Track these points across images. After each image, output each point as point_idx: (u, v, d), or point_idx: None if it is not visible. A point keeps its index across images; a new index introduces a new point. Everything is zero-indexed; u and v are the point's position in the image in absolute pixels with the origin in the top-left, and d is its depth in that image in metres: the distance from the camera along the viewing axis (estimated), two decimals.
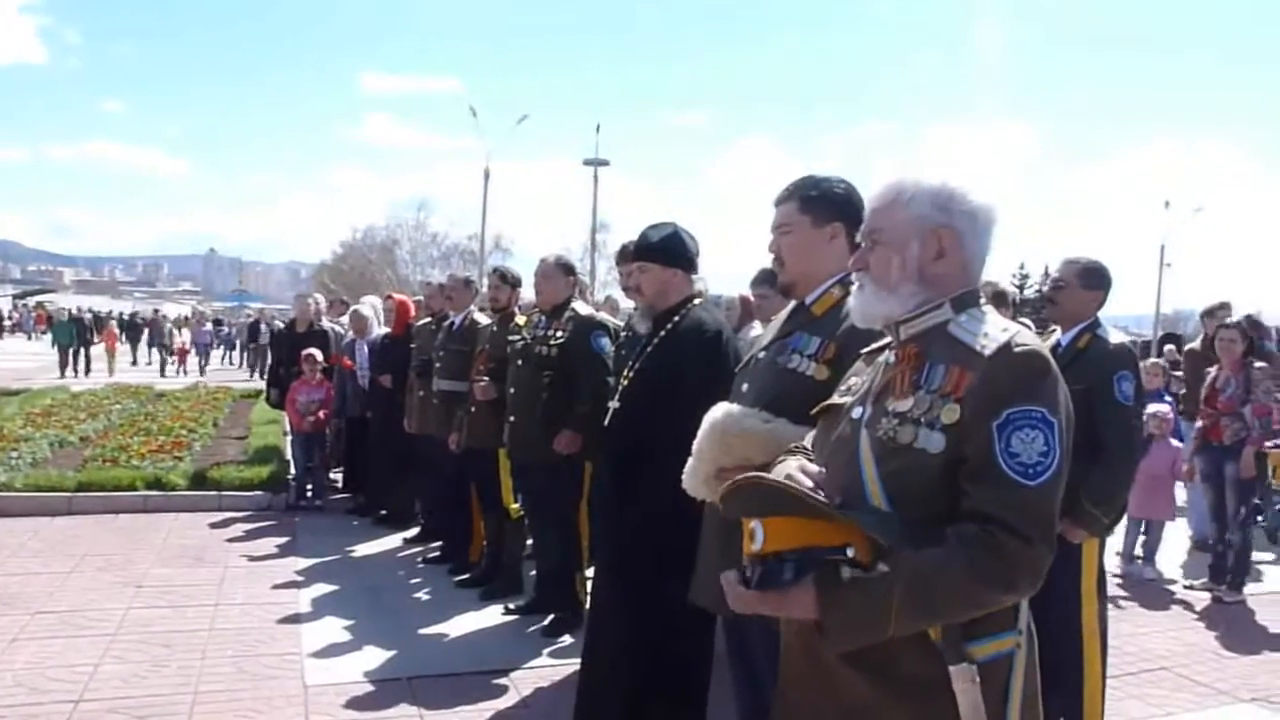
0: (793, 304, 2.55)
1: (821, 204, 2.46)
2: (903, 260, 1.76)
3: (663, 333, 3.44)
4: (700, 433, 2.23)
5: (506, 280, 5.95)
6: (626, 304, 7.74)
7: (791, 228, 2.48)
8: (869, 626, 1.54)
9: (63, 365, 22.19)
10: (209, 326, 28.94)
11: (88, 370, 22.50)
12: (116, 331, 26.49)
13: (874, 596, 1.53)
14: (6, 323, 40.29)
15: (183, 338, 27.88)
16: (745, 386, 2.47)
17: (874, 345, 1.89)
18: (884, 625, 1.53)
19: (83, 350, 23.20)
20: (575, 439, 4.79)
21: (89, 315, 29.51)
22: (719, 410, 2.22)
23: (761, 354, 2.50)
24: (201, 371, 24.08)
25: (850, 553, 1.53)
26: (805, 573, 1.55)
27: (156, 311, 34.26)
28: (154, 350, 25.88)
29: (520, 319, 5.67)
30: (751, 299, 5.22)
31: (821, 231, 2.46)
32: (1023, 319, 5.31)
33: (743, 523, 1.62)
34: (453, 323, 6.42)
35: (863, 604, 1.53)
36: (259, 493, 8.01)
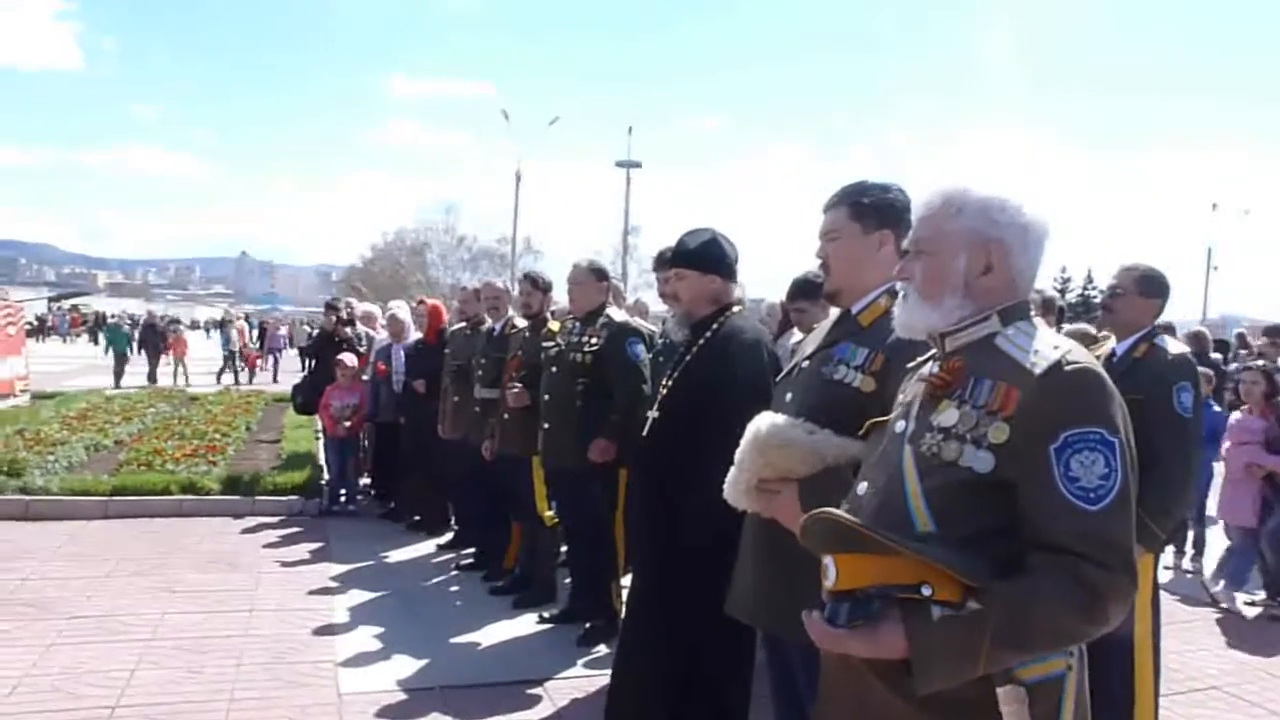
0: (838, 312, 2.55)
1: (871, 211, 2.45)
2: (948, 272, 1.75)
3: (701, 341, 3.45)
4: (742, 443, 2.24)
5: (538, 286, 5.97)
6: (657, 307, 7.75)
7: (840, 234, 2.47)
8: (960, 665, 1.51)
9: (118, 375, 19.57)
10: (283, 331, 26.58)
11: (152, 378, 20.03)
12: (187, 339, 23.55)
13: (966, 635, 1.50)
14: (45, 325, 40.77)
15: (253, 344, 25.60)
16: (789, 396, 2.47)
17: (920, 359, 1.89)
18: (975, 664, 1.51)
19: (148, 356, 20.81)
20: (610, 447, 4.81)
21: (143, 318, 27.04)
22: (762, 420, 2.23)
23: (805, 363, 2.50)
24: (275, 379, 21.66)
25: (926, 590, 1.52)
26: (879, 610, 1.55)
27: (228, 314, 31.31)
28: (226, 358, 22.69)
29: (553, 325, 5.70)
30: (788, 311, 5.22)
31: (870, 239, 2.45)
32: (1079, 324, 5.27)
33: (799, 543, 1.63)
34: (493, 329, 6.47)
35: (954, 643, 1.51)
36: (292, 498, 8.11)
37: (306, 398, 8.71)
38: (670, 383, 3.47)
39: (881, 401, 2.14)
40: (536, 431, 5.33)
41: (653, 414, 3.47)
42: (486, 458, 6.08)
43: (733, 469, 2.33)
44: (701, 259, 3.46)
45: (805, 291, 4.61)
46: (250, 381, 21.61)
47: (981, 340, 1.73)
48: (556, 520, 5.69)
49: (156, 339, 21.53)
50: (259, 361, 24.05)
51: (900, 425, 1.77)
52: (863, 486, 1.81)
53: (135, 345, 22.67)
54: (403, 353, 8.01)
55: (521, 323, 6.22)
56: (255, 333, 28.35)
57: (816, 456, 2.12)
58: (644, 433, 3.48)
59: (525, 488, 5.75)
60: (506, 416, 5.78)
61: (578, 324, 5.23)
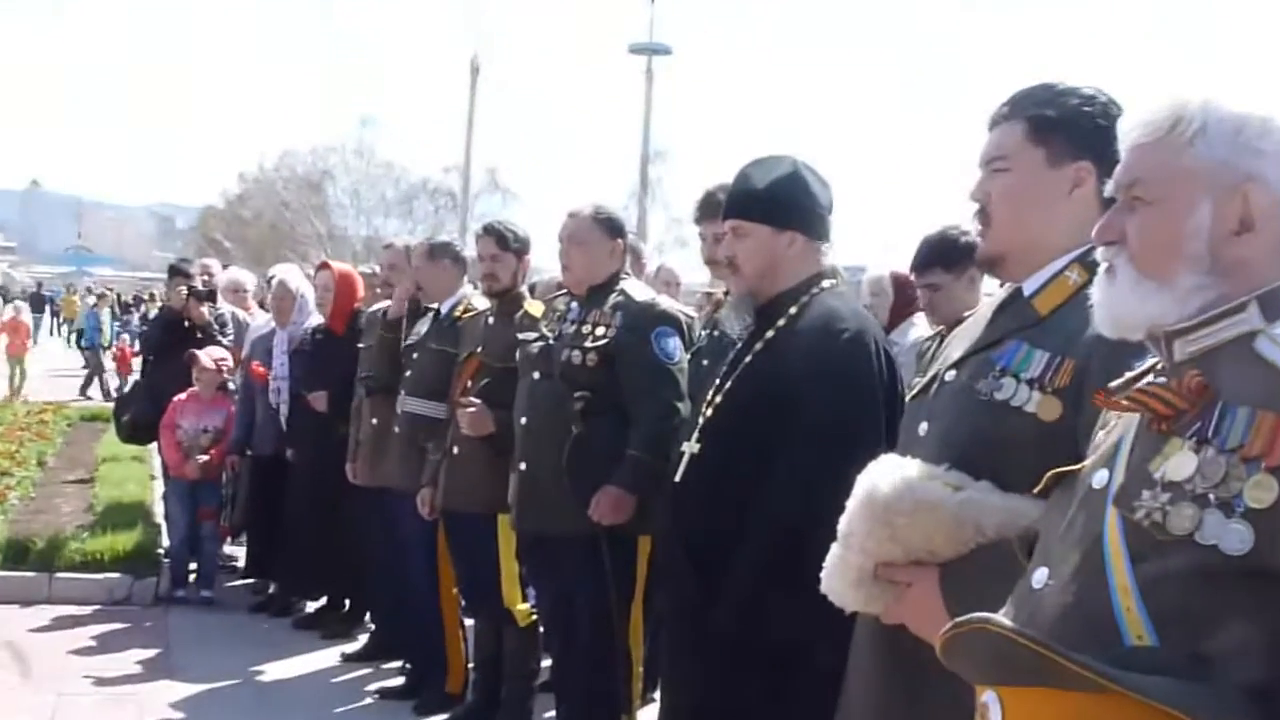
0: (1003, 291, 2.56)
1: (1064, 130, 2.46)
2: (1182, 233, 1.75)
3: (771, 334, 3.49)
4: (849, 505, 2.24)
5: (507, 245, 5.98)
6: (694, 277, 7.71)
7: (1011, 163, 2.48)
8: None
9: None
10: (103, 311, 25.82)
11: None
12: (28, 325, 22.66)
13: None
14: None
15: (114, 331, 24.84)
16: (922, 428, 2.47)
17: (1133, 372, 1.89)
18: None
19: None
20: (624, 501, 4.83)
21: None
22: (880, 470, 2.23)
23: (948, 375, 2.50)
24: (87, 390, 21.83)
25: None
26: None
27: (72, 288, 30.13)
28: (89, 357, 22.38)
29: (533, 307, 5.73)
30: (913, 284, 5.23)
31: (1059, 174, 2.46)
32: None
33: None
34: (438, 312, 6.52)
35: None
36: (113, 576, 8.15)
37: (139, 416, 8.76)
38: (720, 399, 3.50)
39: (1071, 436, 2.14)
40: (505, 475, 5.36)
41: (690, 447, 3.50)
42: (425, 515, 6.12)
43: (834, 547, 2.34)
44: (774, 205, 3.49)
45: (944, 256, 4.63)
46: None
47: (1234, 343, 1.73)
48: (535, 617, 5.70)
49: None
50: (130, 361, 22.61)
51: (1101, 477, 1.77)
52: (1041, 575, 1.81)
53: None
54: (287, 343, 8.03)
55: (481, 303, 6.24)
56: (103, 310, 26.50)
57: (968, 526, 2.13)
58: (677, 478, 3.51)
59: (485, 564, 5.78)
60: (457, 451, 5.81)
61: (575, 305, 5.26)
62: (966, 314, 2.80)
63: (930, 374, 2.63)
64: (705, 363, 4.86)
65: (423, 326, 6.54)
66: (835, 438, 3.17)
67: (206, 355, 8.31)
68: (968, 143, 2.71)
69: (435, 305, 6.54)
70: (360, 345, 7.13)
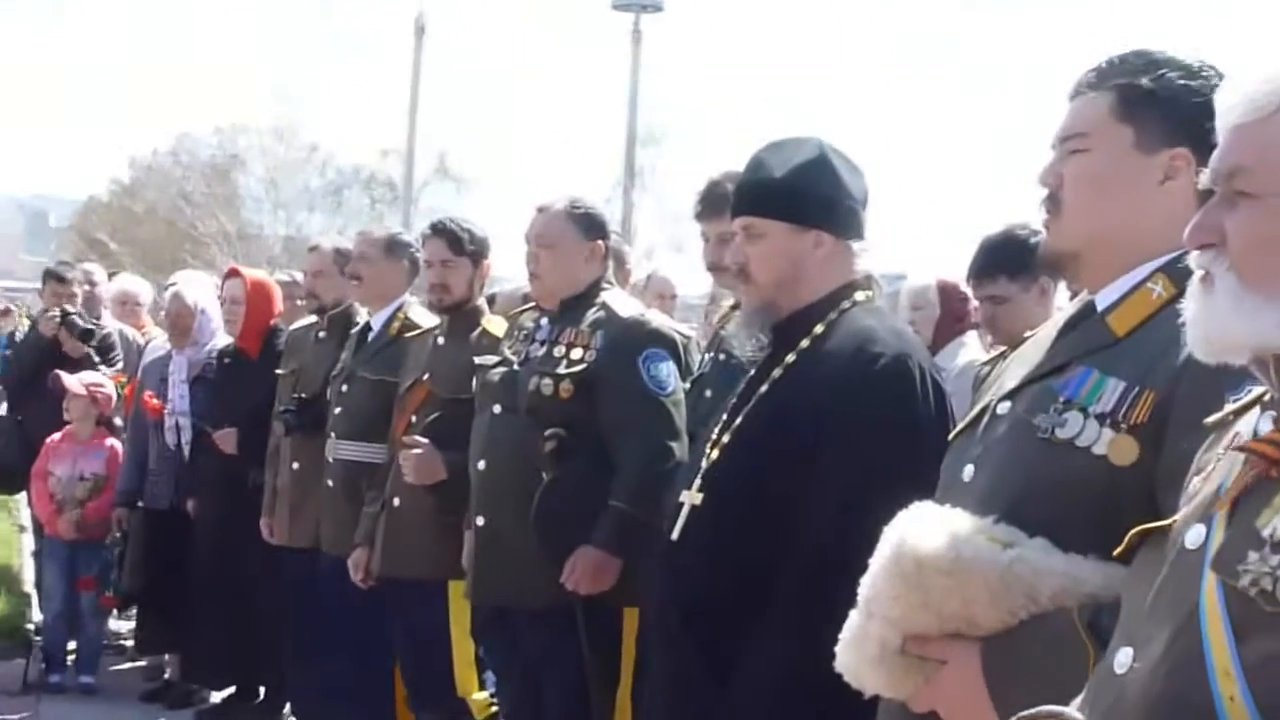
0: (1073, 306, 2.57)
1: (1159, 108, 2.46)
2: None
3: (791, 358, 3.51)
4: (873, 563, 2.25)
5: (460, 248, 6.01)
6: (690, 291, 7.72)
7: (1092, 142, 2.49)
8: None
9: None
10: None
11: None
12: None
13: None
14: None
15: None
16: (966, 472, 2.48)
17: (1234, 405, 1.89)
18: None
19: None
20: (606, 565, 4.84)
21: None
22: (912, 520, 2.24)
23: (1001, 406, 2.51)
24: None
25: None
26: None
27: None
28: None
29: (493, 324, 5.77)
30: (967, 295, 5.23)
31: (1150, 160, 2.46)
32: None
33: None
34: (366, 326, 6.54)
35: None
36: None
37: (4, 459, 8.76)
38: (728, 438, 3.51)
39: (1150, 485, 2.16)
40: (458, 533, 5.38)
41: (690, 498, 3.51)
42: (360, 584, 6.13)
43: (853, 615, 2.34)
44: (795, 198, 3.52)
45: (1010, 261, 4.66)
46: None
47: None
48: (495, 708, 5.71)
49: None
50: None
51: (1196, 535, 1.77)
52: (1124, 656, 1.81)
53: None
54: (186, 369, 7.99)
55: (427, 319, 6.26)
56: None
57: (1018, 593, 2.13)
58: (674, 535, 3.52)
59: (434, 644, 5.79)
60: (399, 503, 5.84)
61: (545, 322, 5.28)
62: (1029, 333, 2.80)
63: (979, 406, 2.63)
64: (708, 393, 4.87)
65: (351, 347, 6.57)
66: (873, 488, 3.13)
67: (76, 380, 8.24)
68: (1036, 125, 2.72)
69: (364, 320, 6.56)
70: (279, 371, 7.15)
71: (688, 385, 5.10)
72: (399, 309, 6.50)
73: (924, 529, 2.25)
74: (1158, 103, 2.48)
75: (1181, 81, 2.48)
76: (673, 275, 8.72)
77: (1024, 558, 2.18)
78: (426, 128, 40.13)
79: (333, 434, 6.43)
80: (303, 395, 6.82)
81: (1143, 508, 2.02)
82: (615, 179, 36.50)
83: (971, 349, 5.82)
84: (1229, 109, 1.84)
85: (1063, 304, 2.66)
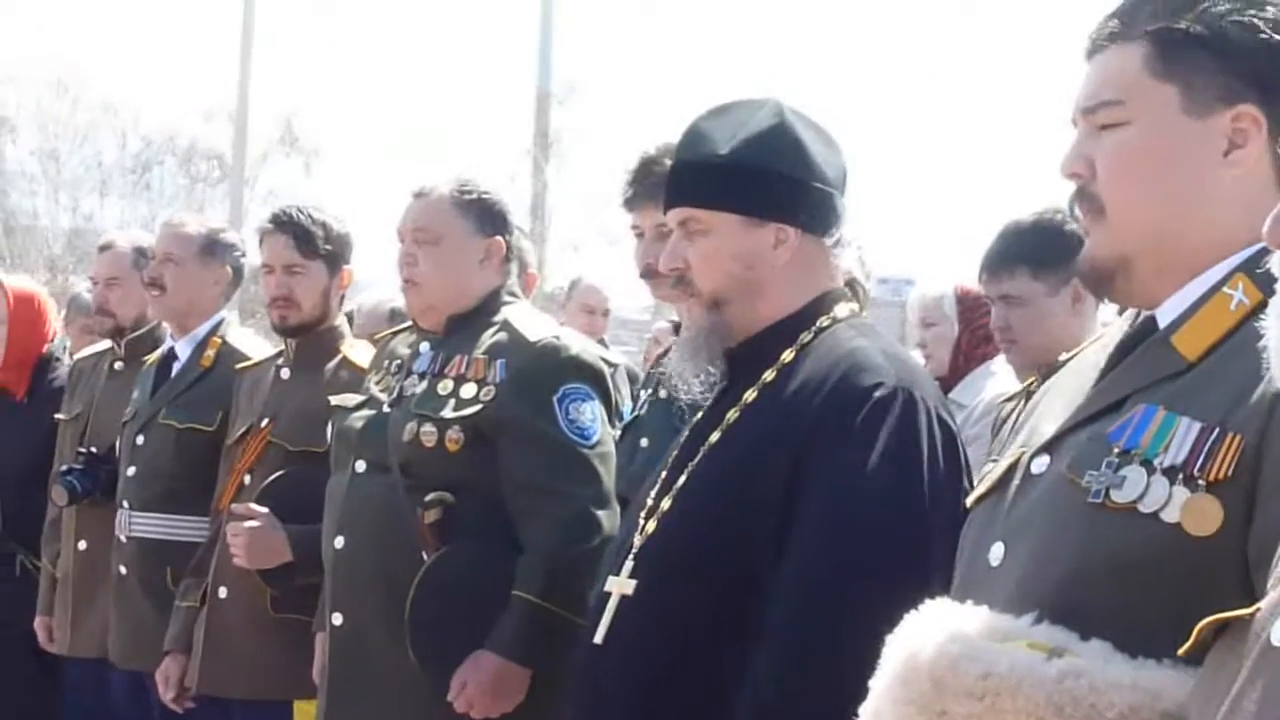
0: (1124, 322, 2.62)
1: (1210, 54, 2.48)
2: None
3: (752, 395, 3.53)
4: (876, 683, 2.27)
5: (312, 248, 6.05)
6: (630, 303, 7.78)
7: (1130, 111, 2.51)
8: None
9: None
10: None
11: None
12: None
13: None
14: None
15: None
16: (994, 552, 2.51)
17: None
18: None
19: None
20: (507, 677, 4.85)
21: None
22: (925, 625, 2.26)
23: (1036, 462, 2.54)
24: None
25: None
26: None
27: None
28: None
29: (354, 351, 5.83)
30: (988, 303, 5.25)
31: (1207, 125, 2.48)
32: None
33: None
34: (170, 354, 6.58)
35: None
36: None
37: None
38: (669, 504, 3.53)
39: (1240, 560, 2.19)
40: (306, 636, 5.41)
41: (620, 585, 3.52)
42: (172, 705, 6.12)
43: None
44: (748, 180, 3.55)
45: (1036, 252, 4.71)
46: None
47: None
48: None
49: None
50: None
51: None
52: None
53: None
54: None
55: (255, 346, 6.26)
56: None
57: (1074, 716, 2.15)
58: (598, 637, 3.53)
59: None
60: (225, 594, 5.86)
61: (426, 348, 5.30)
62: (1065, 356, 2.79)
63: (1006, 462, 2.63)
64: (645, 443, 4.90)
65: (147, 383, 6.56)
66: (866, 575, 3.19)
67: None
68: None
69: (167, 345, 6.56)
70: (59, 416, 7.15)
71: (618, 432, 5.13)
72: (214, 331, 6.50)
73: (940, 636, 2.25)
74: (1207, 48, 2.48)
75: (1235, 17, 2.47)
76: (605, 281, 8.73)
77: (1078, 669, 2.17)
78: (266, 83, 39.90)
79: (125, 503, 6.42)
80: (92, 449, 6.76)
81: (1234, 591, 2.04)
82: (522, 150, 36.31)
83: (1002, 379, 5.75)
84: None
85: (1109, 319, 2.65)
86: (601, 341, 9.02)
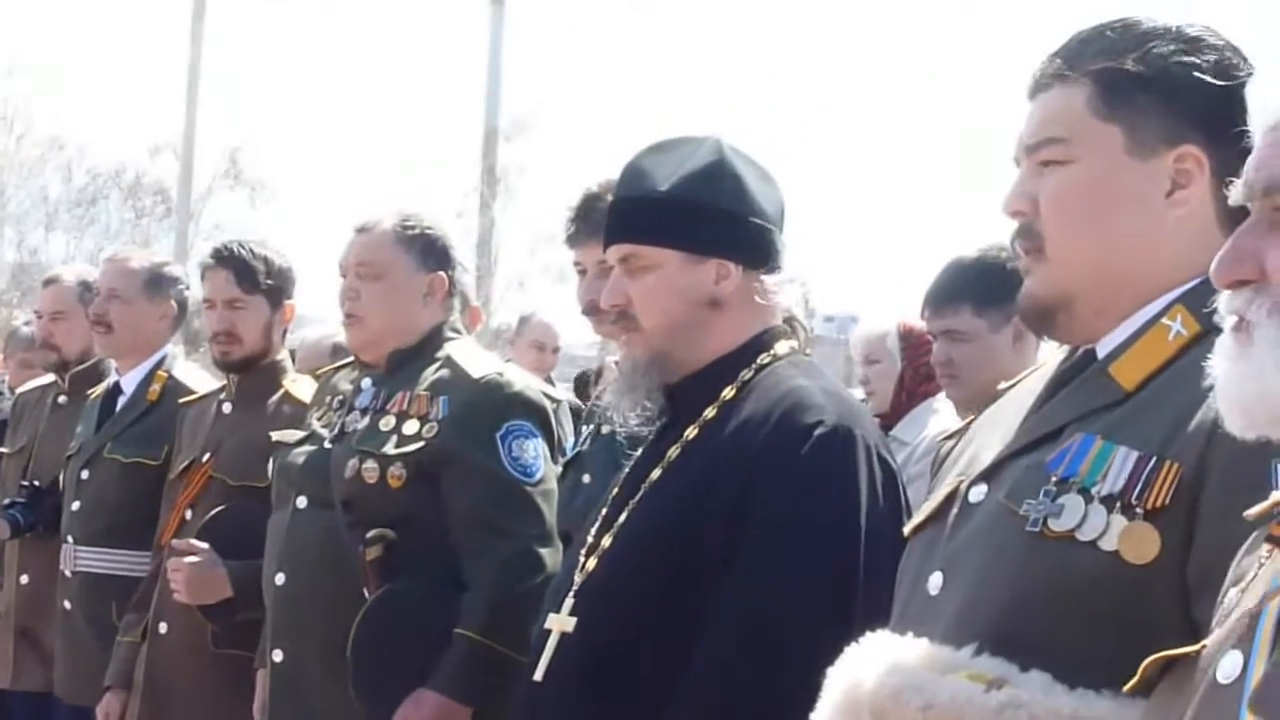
0: (1062, 354, 2.62)
1: (1154, 95, 2.50)
2: None
3: (693, 432, 3.53)
4: (820, 708, 2.26)
5: (255, 282, 6.03)
6: (578, 339, 7.80)
7: (1073, 149, 2.52)
8: None
9: None
10: None
11: None
12: None
13: None
14: None
15: None
16: (933, 582, 2.51)
17: None
18: None
19: None
20: (449, 715, 4.82)
21: None
22: (864, 657, 2.25)
23: (974, 491, 2.54)
24: None
25: None
26: None
27: None
28: None
29: (299, 387, 5.81)
30: (931, 340, 5.25)
31: (1150, 166, 2.50)
32: None
33: None
34: (115, 388, 6.56)
35: None
36: None
37: None
38: (609, 542, 3.53)
39: (1178, 589, 2.19)
40: (248, 672, 5.39)
41: (560, 623, 3.51)
42: None
43: None
44: (688, 217, 3.54)
45: (978, 288, 4.70)
46: None
47: None
48: None
49: None
50: None
51: (1231, 665, 1.79)
52: None
53: None
54: None
55: (199, 380, 6.23)
56: None
57: None
58: (538, 674, 3.52)
59: None
60: (165, 630, 5.84)
61: (368, 384, 5.28)
62: (1003, 385, 2.79)
63: (945, 491, 2.62)
64: (586, 479, 4.88)
65: (92, 417, 6.54)
66: (804, 609, 3.20)
67: None
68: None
69: (112, 379, 6.53)
70: (2, 450, 7.16)
71: (560, 468, 5.11)
72: (159, 365, 6.49)
73: (880, 668, 2.25)
74: (1151, 90, 2.49)
75: (1179, 58, 2.49)
76: (555, 318, 8.72)
77: (1018, 700, 2.17)
78: (212, 117, 39.82)
79: (70, 537, 6.40)
80: (35, 483, 6.77)
81: (1173, 619, 2.05)
82: (471, 185, 36.29)
83: (945, 416, 5.77)
84: (1273, 109, 1.86)
85: (1047, 352, 2.64)
86: (549, 379, 9.10)
